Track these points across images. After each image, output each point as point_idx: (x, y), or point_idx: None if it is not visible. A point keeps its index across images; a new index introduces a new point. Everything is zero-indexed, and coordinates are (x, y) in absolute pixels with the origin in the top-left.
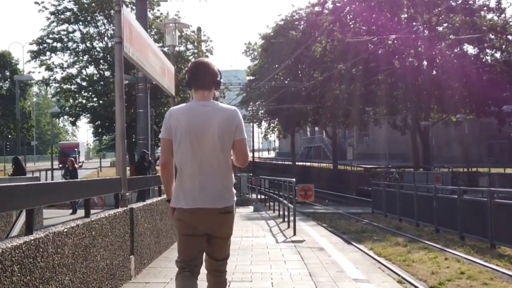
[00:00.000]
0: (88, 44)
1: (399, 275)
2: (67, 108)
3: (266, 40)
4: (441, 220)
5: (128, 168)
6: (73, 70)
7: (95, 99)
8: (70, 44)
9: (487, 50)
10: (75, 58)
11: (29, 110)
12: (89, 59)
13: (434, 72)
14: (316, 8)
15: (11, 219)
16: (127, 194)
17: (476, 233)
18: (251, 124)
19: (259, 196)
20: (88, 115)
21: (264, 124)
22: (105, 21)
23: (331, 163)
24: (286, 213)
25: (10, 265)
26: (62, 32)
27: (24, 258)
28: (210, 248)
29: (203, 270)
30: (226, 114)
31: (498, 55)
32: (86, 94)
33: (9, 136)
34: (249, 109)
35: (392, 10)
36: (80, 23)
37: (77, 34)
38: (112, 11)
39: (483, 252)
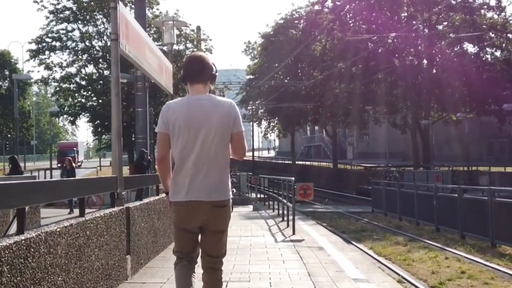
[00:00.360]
0: (87, 43)
1: (399, 274)
2: (66, 108)
3: (266, 39)
4: (442, 219)
5: (127, 167)
6: (72, 69)
7: (94, 98)
8: (69, 43)
9: (487, 49)
10: (74, 57)
11: (28, 110)
12: (88, 58)
13: (434, 71)
14: (316, 7)
15: (8, 218)
16: (123, 193)
17: (476, 232)
18: (251, 123)
19: (258, 195)
20: (88, 114)
21: (264, 123)
22: (104, 20)
23: (331, 162)
24: (285, 212)
25: None
26: (61, 31)
27: (15, 259)
28: (205, 243)
29: (201, 271)
30: (224, 108)
31: (498, 53)
32: (85, 93)
33: (9, 135)
34: (249, 108)
35: (392, 9)
36: (79, 22)
37: (76, 33)
38: None
39: (484, 251)
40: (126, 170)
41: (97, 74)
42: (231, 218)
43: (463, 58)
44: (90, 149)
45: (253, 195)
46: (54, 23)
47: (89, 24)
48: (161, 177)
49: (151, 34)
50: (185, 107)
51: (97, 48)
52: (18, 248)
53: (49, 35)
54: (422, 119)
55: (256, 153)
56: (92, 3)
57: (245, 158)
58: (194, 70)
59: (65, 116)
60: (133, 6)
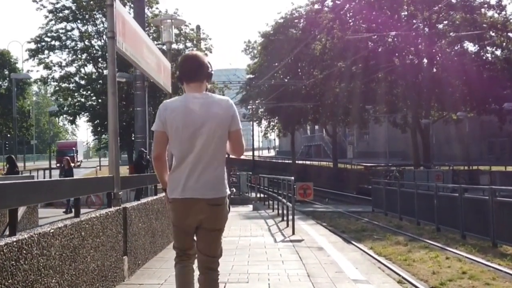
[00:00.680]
0: (86, 43)
1: (399, 275)
2: (66, 107)
3: (265, 38)
4: (442, 218)
5: (127, 167)
6: (72, 69)
7: (93, 97)
8: (68, 42)
9: (488, 48)
10: (74, 56)
11: (28, 109)
12: (88, 57)
13: (434, 70)
14: (316, 6)
15: (5, 219)
16: (120, 193)
17: (477, 232)
18: (251, 122)
19: (258, 195)
20: (87, 113)
21: (264, 123)
22: (103, 19)
23: (331, 161)
24: (285, 212)
25: None
26: (61, 31)
27: (6, 261)
28: (200, 242)
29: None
30: (221, 106)
31: (498, 52)
32: (84, 92)
33: (8, 135)
34: (248, 107)
35: (392, 8)
36: (78, 21)
37: (76, 33)
38: None
39: (485, 251)
40: (125, 170)
41: (97, 73)
42: (228, 218)
43: (464, 57)
44: (90, 149)
45: (253, 194)
46: (53, 22)
47: (88, 23)
48: (158, 174)
49: (151, 34)
50: (182, 106)
51: (97, 47)
52: (9, 250)
53: (48, 34)
54: (422, 118)
55: (256, 153)
56: (91, 2)
57: (245, 158)
58: (190, 69)
59: (64, 115)
60: (132, 5)
